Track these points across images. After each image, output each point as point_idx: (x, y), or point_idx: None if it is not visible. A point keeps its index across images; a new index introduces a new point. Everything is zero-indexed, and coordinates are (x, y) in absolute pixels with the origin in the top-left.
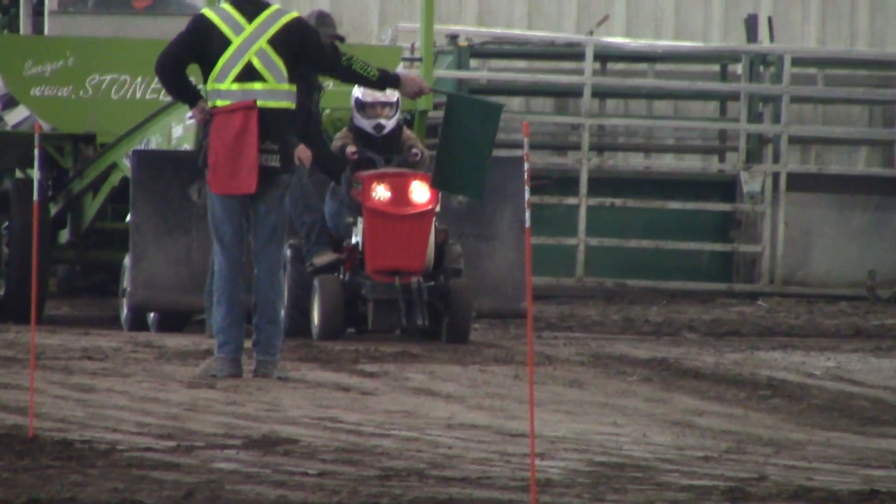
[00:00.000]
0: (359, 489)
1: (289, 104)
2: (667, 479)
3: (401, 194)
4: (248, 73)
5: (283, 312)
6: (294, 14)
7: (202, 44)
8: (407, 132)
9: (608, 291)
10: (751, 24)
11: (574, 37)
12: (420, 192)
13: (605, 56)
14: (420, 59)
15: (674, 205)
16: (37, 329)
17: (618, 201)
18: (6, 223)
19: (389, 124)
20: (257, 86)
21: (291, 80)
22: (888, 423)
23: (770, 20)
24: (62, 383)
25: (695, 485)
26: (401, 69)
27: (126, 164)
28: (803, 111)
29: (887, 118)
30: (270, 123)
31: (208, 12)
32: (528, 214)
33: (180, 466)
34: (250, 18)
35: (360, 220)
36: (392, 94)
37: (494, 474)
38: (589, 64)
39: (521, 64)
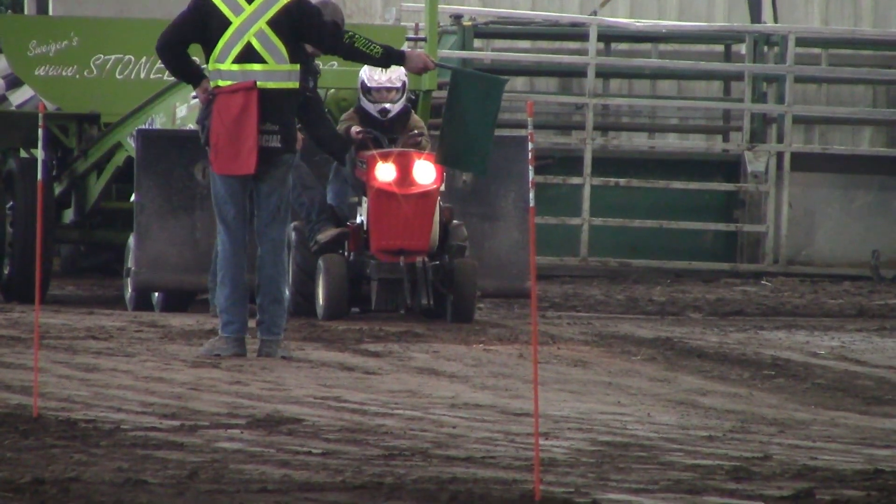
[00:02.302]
0: (363, 468)
1: (290, 84)
2: (671, 458)
3: (405, 173)
4: (248, 54)
5: (287, 292)
6: None
7: (203, 24)
8: (415, 117)
9: (612, 271)
10: (754, 4)
11: (578, 17)
12: (425, 172)
13: (609, 36)
14: (424, 39)
15: (678, 184)
16: (41, 309)
17: (622, 181)
18: (10, 203)
19: (395, 108)
20: (256, 67)
21: (293, 60)
22: (892, 403)
23: (773, 0)
24: (66, 363)
25: (699, 464)
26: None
27: (130, 144)
28: (807, 91)
29: (891, 98)
30: (270, 104)
31: None
32: (532, 194)
33: (184, 446)
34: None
35: (364, 199)
36: (397, 80)
37: (498, 454)
38: (593, 44)
39: (525, 44)
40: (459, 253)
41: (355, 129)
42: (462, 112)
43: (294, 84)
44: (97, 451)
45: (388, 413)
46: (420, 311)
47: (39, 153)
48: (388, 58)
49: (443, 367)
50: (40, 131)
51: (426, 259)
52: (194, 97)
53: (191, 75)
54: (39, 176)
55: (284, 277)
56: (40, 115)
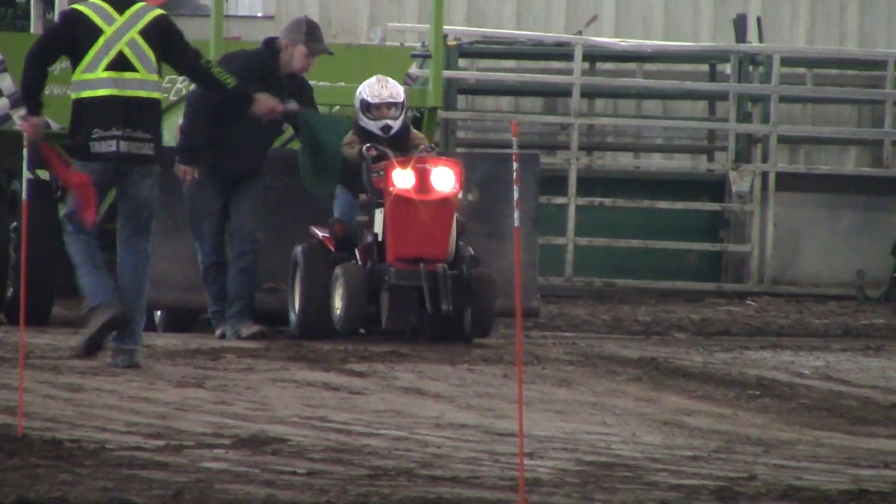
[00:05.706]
0: (348, 488)
1: (158, 95)
2: (656, 478)
3: (424, 180)
4: (120, 63)
5: (145, 301)
6: (161, 11)
7: (74, 34)
8: (415, 132)
9: (597, 291)
10: (740, 23)
11: (563, 36)
12: (443, 179)
13: (594, 56)
14: (430, 56)
15: (663, 204)
16: (26, 328)
17: (607, 201)
18: (15, 224)
19: (396, 124)
20: (128, 75)
21: (160, 72)
22: (877, 423)
23: (759, 20)
24: (51, 383)
25: (684, 484)
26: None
27: None
28: (792, 111)
29: (876, 118)
30: (141, 113)
31: (79, 6)
32: (517, 214)
33: (169, 466)
34: (121, 11)
35: (378, 212)
36: (398, 94)
37: (483, 474)
38: (578, 64)
39: (510, 63)
40: (474, 264)
41: (365, 146)
42: (312, 146)
43: (161, 95)
44: (82, 471)
45: (373, 433)
46: (440, 319)
47: (24, 173)
48: (239, 92)
49: (428, 387)
50: (24, 151)
51: (445, 266)
52: (22, 117)
53: (35, 98)
54: (24, 196)
55: (145, 288)
56: (25, 136)
